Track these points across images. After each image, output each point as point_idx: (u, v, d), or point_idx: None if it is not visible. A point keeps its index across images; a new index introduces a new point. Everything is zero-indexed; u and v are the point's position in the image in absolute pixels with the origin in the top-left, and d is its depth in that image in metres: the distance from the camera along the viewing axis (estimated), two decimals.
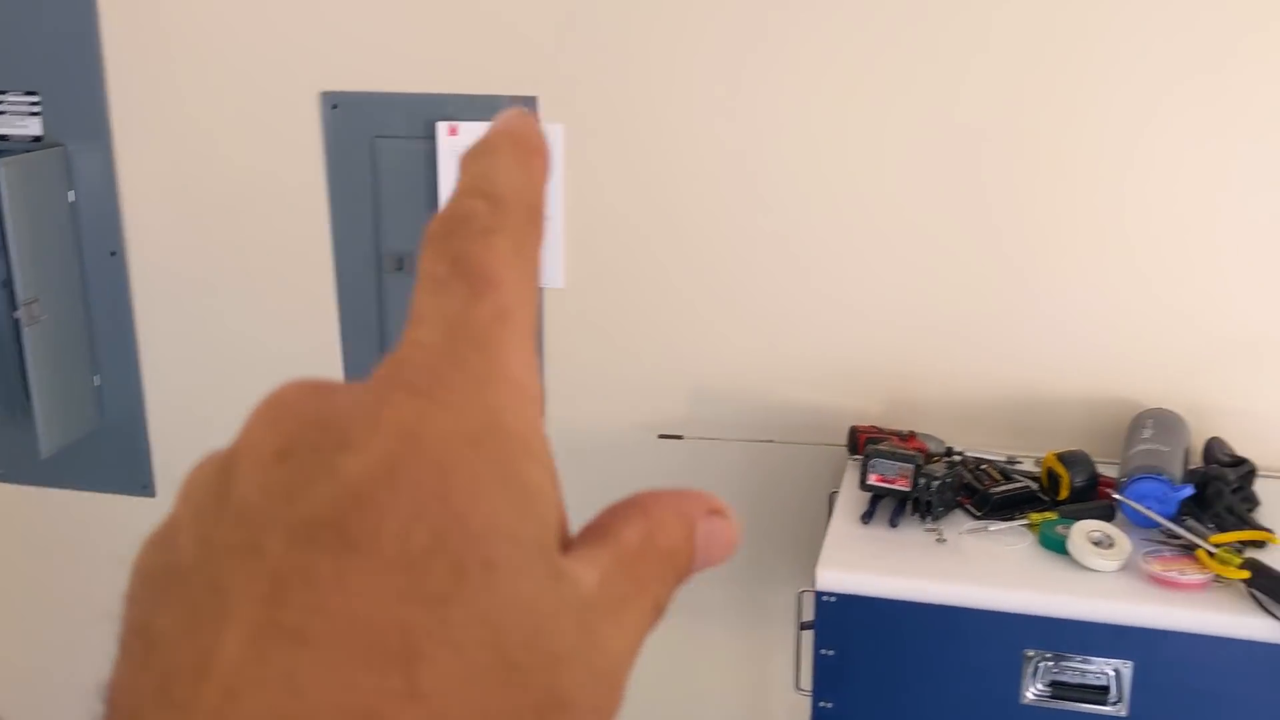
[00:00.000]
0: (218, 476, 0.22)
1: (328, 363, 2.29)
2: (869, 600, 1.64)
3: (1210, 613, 1.51)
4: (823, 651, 1.67)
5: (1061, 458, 1.80)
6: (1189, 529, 1.63)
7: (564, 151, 2.08)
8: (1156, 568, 1.55)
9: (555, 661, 0.20)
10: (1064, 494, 1.78)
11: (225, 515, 0.21)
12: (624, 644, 0.22)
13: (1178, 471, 1.72)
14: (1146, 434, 1.82)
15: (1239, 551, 1.56)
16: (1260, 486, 1.83)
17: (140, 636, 0.21)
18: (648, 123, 2.06)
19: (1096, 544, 1.61)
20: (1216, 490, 1.70)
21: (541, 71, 2.08)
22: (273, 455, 0.21)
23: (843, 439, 2.03)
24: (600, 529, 0.23)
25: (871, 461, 1.78)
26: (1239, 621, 1.49)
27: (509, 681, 0.19)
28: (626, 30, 2.02)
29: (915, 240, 2.01)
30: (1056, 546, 1.64)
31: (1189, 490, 1.66)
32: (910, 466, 1.75)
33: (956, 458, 1.90)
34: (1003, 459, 1.94)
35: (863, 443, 1.93)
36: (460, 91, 2.11)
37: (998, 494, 1.78)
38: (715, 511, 0.25)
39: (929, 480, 1.74)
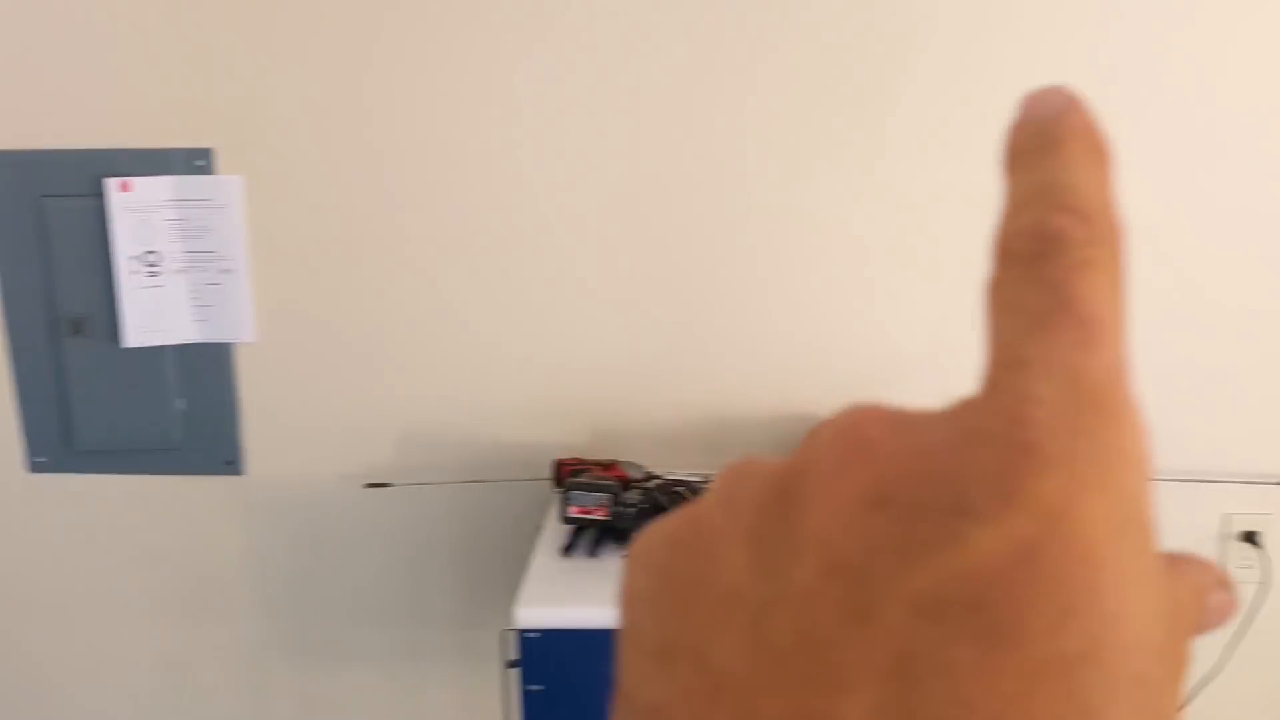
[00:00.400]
0: (776, 499, 0.20)
1: (3, 433, 2.15)
2: (571, 633, 1.67)
3: None
4: (530, 688, 1.68)
5: None
6: None
7: (246, 203, 2.03)
8: None
9: None
10: None
11: (803, 553, 0.19)
12: None
13: None
14: None
15: None
16: None
17: (691, 663, 0.19)
18: (332, 168, 2.04)
19: None
20: None
21: (217, 122, 2.02)
22: (864, 500, 0.19)
23: (549, 473, 2.06)
24: None
25: (570, 494, 1.81)
26: None
27: None
28: (303, 76, 2.00)
29: (611, 276, 2.07)
30: None
31: None
32: (608, 496, 1.80)
33: (654, 482, 1.96)
34: (700, 479, 2.02)
35: (565, 475, 1.97)
36: (130, 146, 2.03)
37: None
38: (1222, 584, 0.22)
39: (626, 507, 1.80)
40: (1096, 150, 0.21)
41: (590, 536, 1.81)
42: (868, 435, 0.20)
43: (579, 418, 2.13)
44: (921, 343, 2.07)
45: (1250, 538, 2.12)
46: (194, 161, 2.04)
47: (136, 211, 2.03)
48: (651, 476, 2.01)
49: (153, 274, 2.05)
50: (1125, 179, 0.22)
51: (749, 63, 1.97)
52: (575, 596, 1.69)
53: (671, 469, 2.07)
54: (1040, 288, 0.19)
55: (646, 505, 1.83)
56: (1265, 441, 2.08)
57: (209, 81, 2.00)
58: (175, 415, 2.12)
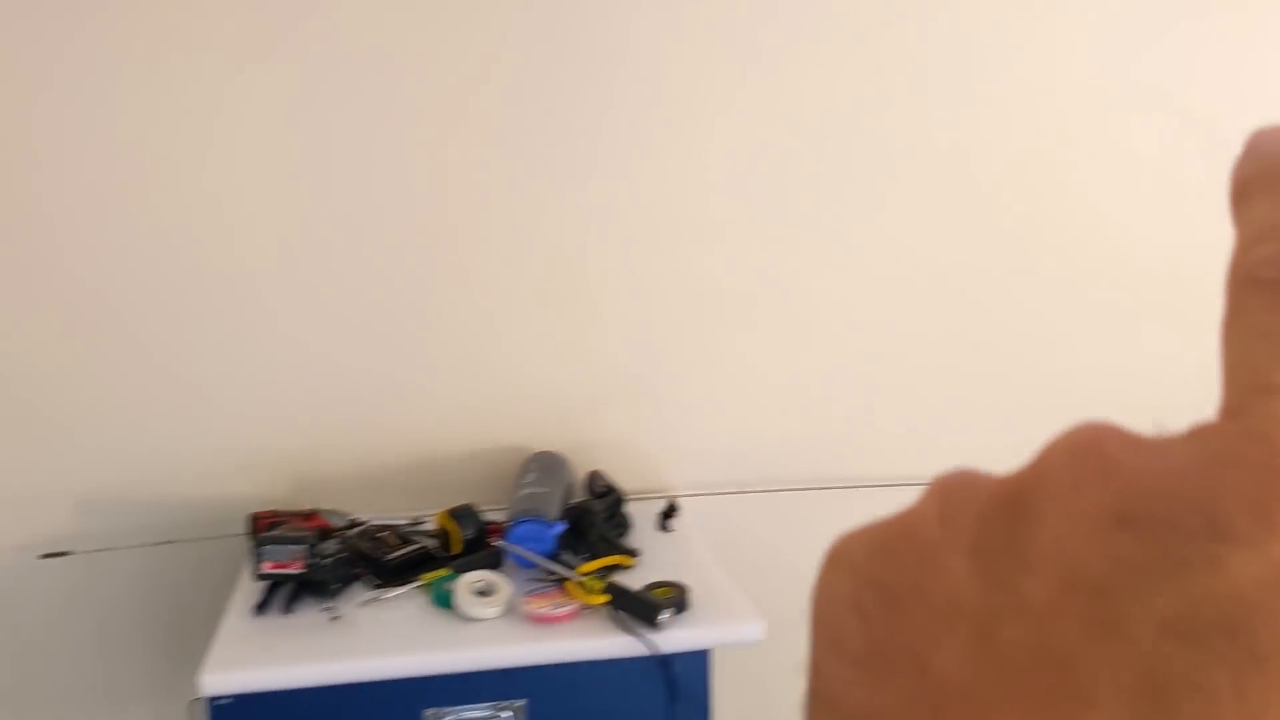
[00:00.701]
0: (1001, 513, 0.19)
1: None
2: (265, 696, 1.59)
3: (583, 640, 1.61)
4: None
5: (451, 513, 1.85)
6: (563, 563, 1.74)
7: None
8: (533, 606, 1.64)
9: None
10: (457, 549, 1.83)
11: (1038, 566, 0.18)
12: None
13: (555, 510, 1.83)
14: (529, 478, 1.93)
15: (603, 577, 1.69)
16: (635, 509, 2.00)
17: (908, 671, 0.19)
18: (51, 204, 1.88)
19: (480, 594, 1.68)
20: (589, 522, 1.83)
21: None
22: (1106, 517, 0.18)
23: (245, 529, 1.96)
24: None
25: (262, 549, 1.73)
26: (604, 643, 1.61)
27: None
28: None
29: (306, 322, 2.00)
30: (445, 602, 1.69)
31: (562, 526, 1.78)
32: (303, 548, 1.72)
33: (356, 529, 1.90)
34: (406, 522, 1.98)
35: (261, 529, 1.88)
36: None
37: (393, 559, 1.80)
38: None
39: (322, 559, 1.73)
40: None
41: (286, 592, 1.74)
42: (1107, 451, 0.19)
43: (278, 468, 2.04)
44: (627, 368, 2.10)
45: None
46: None
47: None
48: (355, 524, 1.95)
49: None
50: None
51: (445, 99, 1.95)
52: (269, 657, 1.61)
53: (378, 514, 2.02)
54: None
55: (345, 554, 1.77)
56: (971, 445, 2.22)
57: None
58: None
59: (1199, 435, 0.19)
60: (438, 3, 1.91)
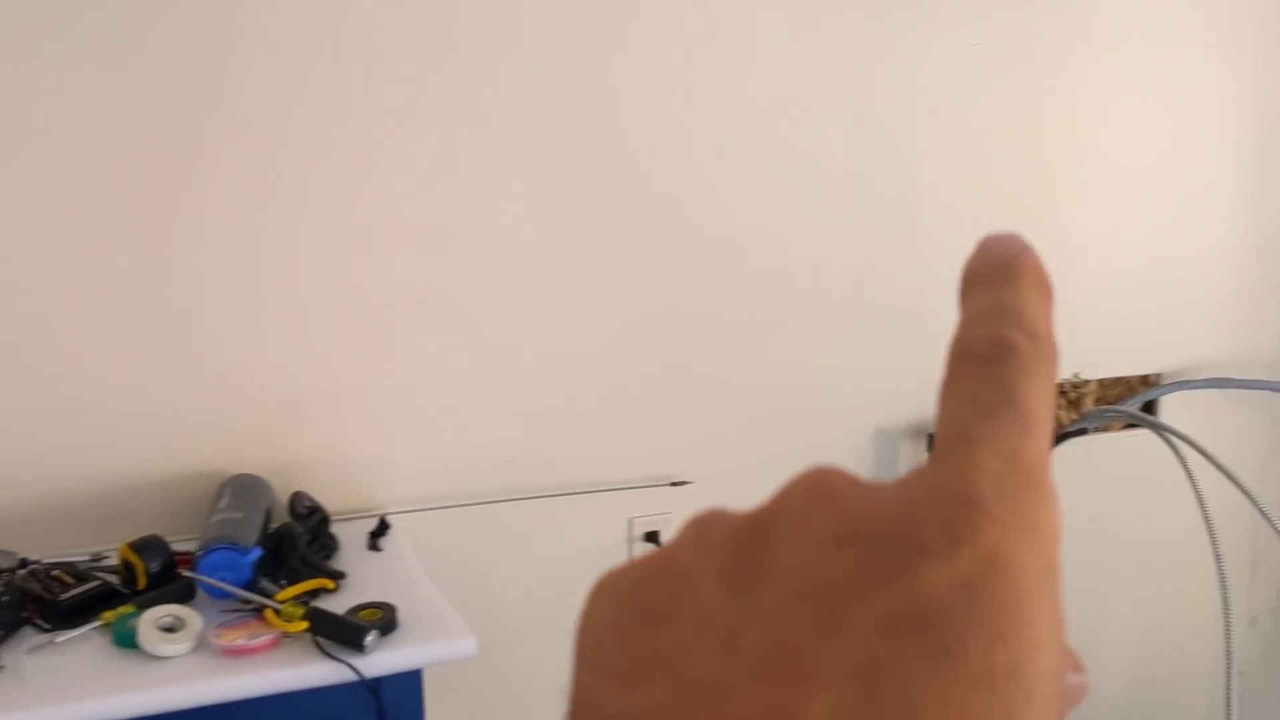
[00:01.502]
0: (745, 539, 0.23)
1: None
2: None
3: (279, 670, 1.52)
4: None
5: (134, 546, 1.71)
6: (262, 591, 1.64)
7: None
8: (224, 639, 1.54)
9: None
10: (142, 583, 1.69)
11: (774, 581, 0.22)
12: None
13: (253, 536, 1.73)
14: (223, 503, 1.81)
15: (306, 603, 1.60)
16: (341, 529, 1.92)
17: (664, 676, 0.22)
18: None
19: (167, 630, 1.56)
20: (290, 545, 1.74)
21: None
22: (831, 537, 0.22)
23: None
24: None
25: None
26: (306, 672, 1.52)
27: None
28: None
29: None
30: (128, 641, 1.55)
31: (257, 552, 1.68)
32: None
33: (25, 569, 1.73)
34: (86, 558, 1.82)
35: None
36: None
37: (67, 599, 1.64)
38: (1076, 667, 0.25)
39: None
40: (1044, 288, 0.25)
41: None
42: (832, 484, 0.23)
43: None
44: (325, 381, 2.01)
45: (652, 537, 2.28)
46: None
47: None
48: (25, 563, 1.77)
49: None
50: None
51: (115, 94, 1.81)
52: None
53: (55, 551, 1.84)
54: (992, 384, 0.23)
55: (11, 597, 1.60)
56: (656, 447, 2.26)
57: None
58: None
59: (908, 478, 0.23)
60: None
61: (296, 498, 1.94)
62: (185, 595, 1.67)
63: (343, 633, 1.54)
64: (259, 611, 1.61)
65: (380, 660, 1.55)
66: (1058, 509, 0.23)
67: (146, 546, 1.71)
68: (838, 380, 2.38)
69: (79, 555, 1.83)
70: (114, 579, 1.73)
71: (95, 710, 1.47)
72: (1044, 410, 0.23)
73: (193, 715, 1.51)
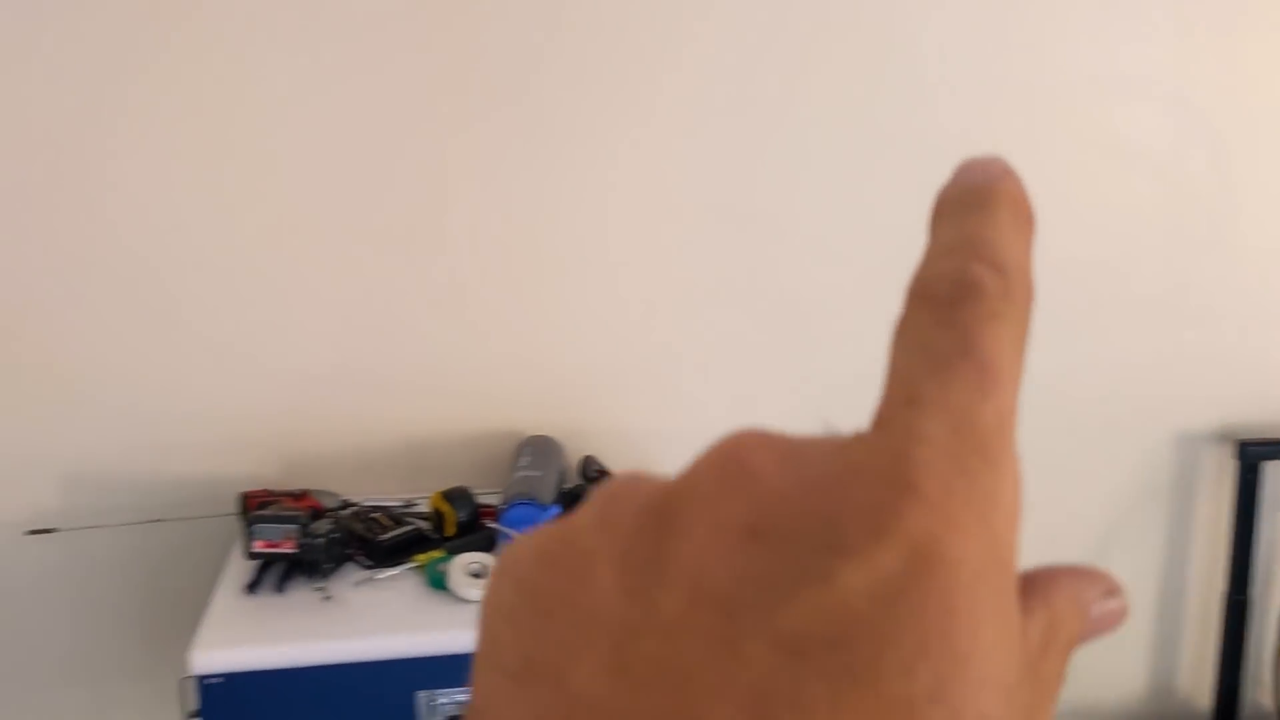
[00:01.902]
0: (652, 524, 0.19)
1: None
2: (256, 674, 1.57)
3: None
4: None
5: (445, 495, 1.84)
6: None
7: None
8: None
9: None
10: (451, 530, 1.82)
11: (674, 579, 0.18)
12: None
13: (550, 494, 1.82)
14: (524, 461, 1.91)
15: None
16: None
17: (548, 684, 0.19)
18: None
19: (475, 575, 1.66)
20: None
21: None
22: (741, 530, 0.18)
23: (234, 507, 1.94)
24: None
25: (254, 528, 1.71)
26: None
27: None
28: None
29: (298, 298, 1.98)
30: (440, 584, 1.67)
31: (557, 510, 1.76)
32: (295, 528, 1.71)
33: (349, 510, 1.89)
34: (398, 504, 1.96)
35: (252, 508, 1.86)
36: None
37: (386, 540, 1.78)
38: (1110, 591, 0.22)
39: (315, 538, 1.71)
40: (1023, 217, 0.22)
41: (278, 571, 1.72)
42: (752, 463, 0.20)
43: (269, 448, 2.02)
44: (622, 351, 2.09)
45: None
46: None
47: None
48: (347, 504, 1.93)
49: None
50: None
51: (419, 64, 1.93)
52: (261, 636, 1.60)
53: (370, 495, 2.00)
54: (949, 331, 0.20)
55: (337, 534, 1.75)
56: None
57: None
58: None
59: (846, 445, 0.19)
60: None
61: (587, 461, 2.02)
62: (488, 544, 1.78)
63: None
64: None
65: None
66: (1016, 482, 0.20)
67: (456, 497, 1.83)
68: (1139, 381, 2.26)
69: (391, 501, 1.97)
70: (424, 525, 1.86)
71: (411, 644, 1.59)
72: (1010, 362, 0.20)
73: None
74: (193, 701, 1.60)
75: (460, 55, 1.94)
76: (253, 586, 1.69)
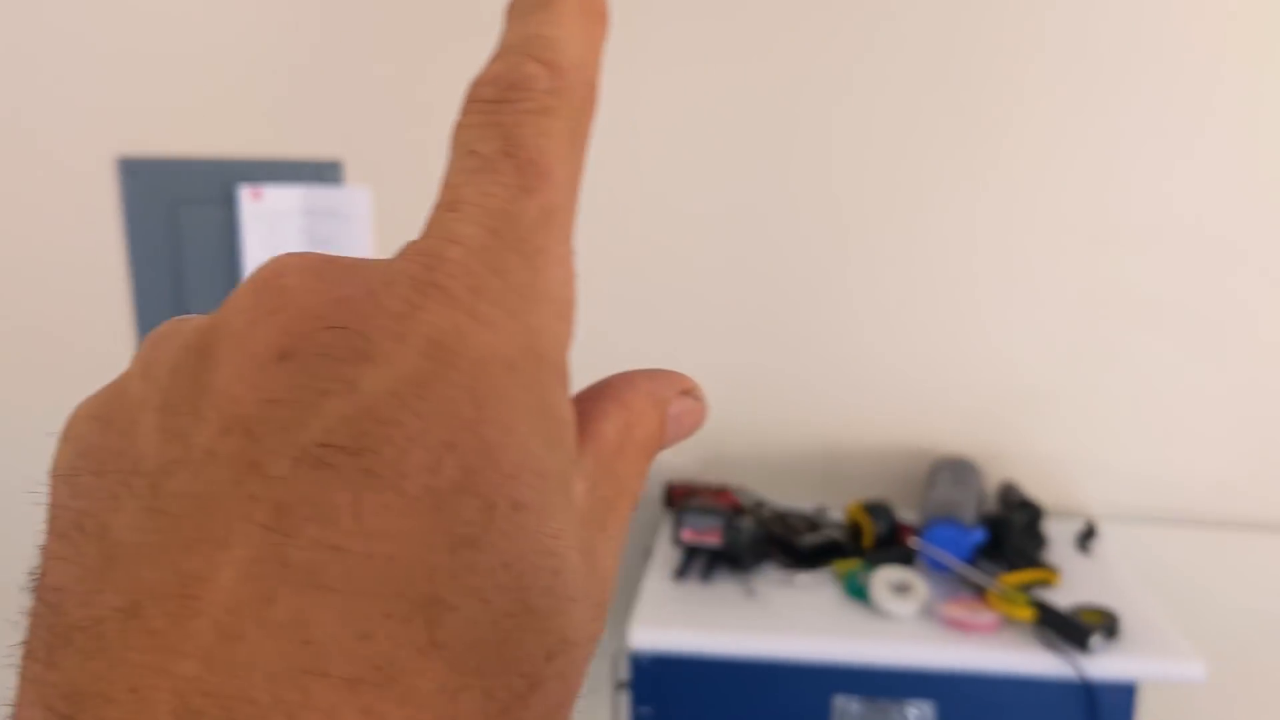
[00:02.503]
0: (192, 359, 0.19)
1: None
2: (684, 658, 1.65)
3: (1001, 652, 1.57)
4: (640, 710, 1.67)
5: (865, 507, 1.86)
6: (981, 571, 1.70)
7: (372, 215, 2.07)
8: (951, 611, 1.61)
9: (569, 602, 0.18)
10: (868, 542, 1.83)
11: (207, 413, 0.18)
12: (613, 559, 0.21)
13: (971, 516, 1.79)
14: (942, 481, 1.90)
15: (1026, 592, 1.64)
16: (1049, 526, 1.93)
17: (93, 538, 0.18)
18: None
19: (896, 590, 1.67)
20: (1006, 533, 1.78)
21: (347, 134, 2.06)
22: (271, 353, 0.18)
23: (659, 495, 2.05)
24: (579, 427, 0.21)
25: (683, 517, 1.80)
26: (1028, 659, 1.56)
27: (527, 628, 0.18)
28: (429, 92, 2.02)
29: (724, 302, 2.06)
30: (860, 594, 1.69)
31: (981, 535, 1.74)
32: (721, 521, 1.78)
33: (766, 510, 1.94)
34: (811, 509, 2.00)
35: (677, 499, 1.96)
36: (263, 155, 2.07)
37: (806, 545, 1.83)
38: (687, 391, 0.23)
39: (739, 534, 1.78)
40: (592, 11, 0.22)
41: (702, 562, 1.80)
42: (283, 285, 0.19)
43: (690, 443, 2.08)
44: (1046, 376, 2.02)
45: None
46: (323, 173, 2.08)
47: (266, 220, 2.08)
48: (761, 504, 2.00)
49: None
50: None
51: (854, 77, 1.95)
52: (688, 621, 1.68)
53: (782, 499, 2.05)
54: (493, 132, 0.20)
55: (760, 533, 1.81)
56: None
57: (340, 94, 2.04)
58: None
59: (391, 258, 0.19)
60: None
61: (1006, 488, 1.98)
62: (906, 561, 1.78)
63: (1067, 629, 1.55)
64: (980, 591, 1.67)
65: (1102, 665, 1.54)
66: (566, 276, 0.19)
67: (876, 509, 1.85)
68: None
69: (803, 505, 2.02)
70: (838, 533, 1.88)
71: (830, 648, 1.62)
72: (559, 157, 0.20)
73: (912, 674, 1.61)
74: (624, 673, 1.71)
75: (883, 62, 1.94)
76: (680, 573, 1.78)
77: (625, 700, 1.71)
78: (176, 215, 2.12)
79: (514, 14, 0.22)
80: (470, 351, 0.18)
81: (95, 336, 2.16)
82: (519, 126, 0.20)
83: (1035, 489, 2.00)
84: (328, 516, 0.17)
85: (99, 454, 0.19)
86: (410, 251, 0.19)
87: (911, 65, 1.94)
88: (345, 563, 0.16)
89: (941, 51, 1.93)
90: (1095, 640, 1.53)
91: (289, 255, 0.20)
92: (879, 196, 2.00)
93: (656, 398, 0.22)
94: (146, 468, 0.18)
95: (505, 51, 0.21)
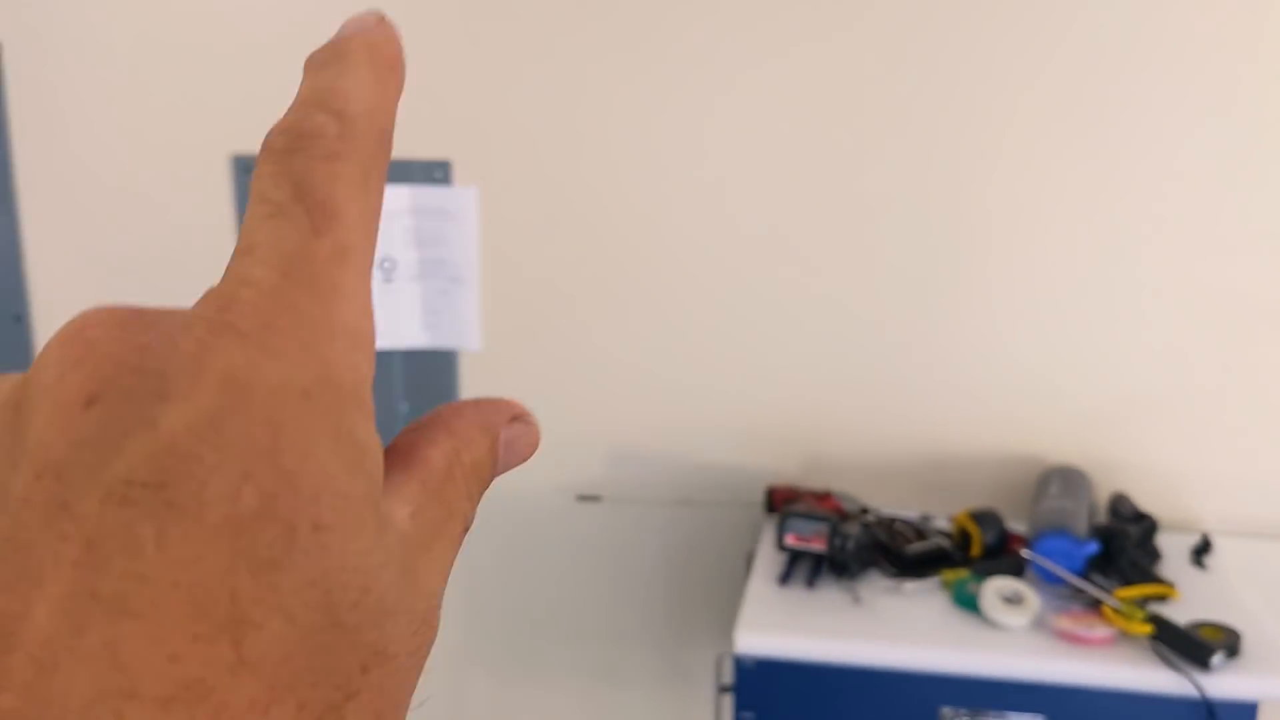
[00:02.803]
0: (8, 414, 0.20)
1: None
2: (788, 663, 1.65)
3: (1117, 667, 1.54)
4: (742, 715, 1.67)
5: (973, 515, 1.83)
6: (1095, 584, 1.67)
7: (479, 214, 2.09)
8: (1065, 624, 1.59)
9: (382, 616, 0.19)
10: (976, 551, 1.81)
11: (22, 462, 0.19)
12: (439, 577, 0.22)
13: (1083, 528, 1.76)
14: (1053, 491, 1.86)
15: (1143, 606, 1.60)
16: (1162, 540, 1.88)
17: None
18: (562, 187, 2.07)
19: (1007, 601, 1.64)
20: (1120, 546, 1.75)
21: (455, 134, 2.08)
22: (79, 400, 0.19)
23: (760, 499, 2.05)
24: (404, 453, 0.22)
25: (788, 522, 1.79)
26: (1145, 676, 1.53)
27: (338, 643, 0.19)
28: (538, 94, 2.04)
29: (828, 304, 2.05)
30: (969, 604, 1.67)
31: (1095, 547, 1.71)
32: (826, 526, 1.77)
33: (871, 516, 1.93)
34: (915, 517, 1.98)
35: (779, 503, 1.96)
36: None
37: (912, 553, 1.81)
38: (518, 418, 0.24)
39: (845, 540, 1.77)
40: (383, 63, 0.23)
41: (806, 567, 1.79)
42: (88, 336, 0.20)
43: (791, 445, 2.11)
44: (1158, 384, 1.98)
45: None
46: (432, 172, 2.10)
47: None
48: (865, 510, 1.98)
49: (387, 280, 2.13)
50: None
51: (979, 86, 1.92)
52: (793, 627, 1.67)
53: (885, 504, 2.04)
54: (283, 180, 0.21)
55: (866, 539, 1.79)
56: None
57: (449, 95, 2.07)
58: (399, 418, 2.19)
59: (193, 306, 0.20)
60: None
61: (1118, 499, 1.94)
62: (1015, 571, 1.75)
63: (1187, 646, 1.51)
64: (1094, 604, 1.63)
65: (1223, 683, 1.50)
66: (361, 310, 0.21)
67: (984, 518, 1.82)
68: None
69: (907, 512, 2.00)
70: (945, 542, 1.86)
71: (940, 659, 1.60)
72: (349, 199, 0.21)
73: (1023, 687, 1.58)
74: (727, 677, 1.71)
75: (997, 69, 1.91)
76: (784, 578, 1.78)
77: (728, 704, 1.71)
78: None
79: (309, 68, 0.23)
80: (264, 383, 0.19)
81: None
82: (309, 173, 0.21)
83: (1145, 501, 1.95)
84: (133, 548, 0.18)
85: None
86: (207, 297, 0.20)
87: (1033, 76, 1.91)
88: (152, 590, 0.17)
89: (1060, 63, 1.90)
90: (1218, 658, 1.49)
91: (95, 310, 0.20)
92: (992, 203, 1.97)
93: (485, 425, 0.23)
94: None
95: (298, 104, 0.22)
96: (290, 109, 0.22)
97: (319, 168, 0.21)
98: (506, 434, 0.24)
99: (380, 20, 0.23)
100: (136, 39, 2.13)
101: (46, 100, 2.18)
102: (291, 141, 0.21)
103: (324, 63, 0.23)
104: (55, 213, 2.23)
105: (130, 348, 0.19)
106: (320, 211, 0.21)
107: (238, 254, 0.21)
